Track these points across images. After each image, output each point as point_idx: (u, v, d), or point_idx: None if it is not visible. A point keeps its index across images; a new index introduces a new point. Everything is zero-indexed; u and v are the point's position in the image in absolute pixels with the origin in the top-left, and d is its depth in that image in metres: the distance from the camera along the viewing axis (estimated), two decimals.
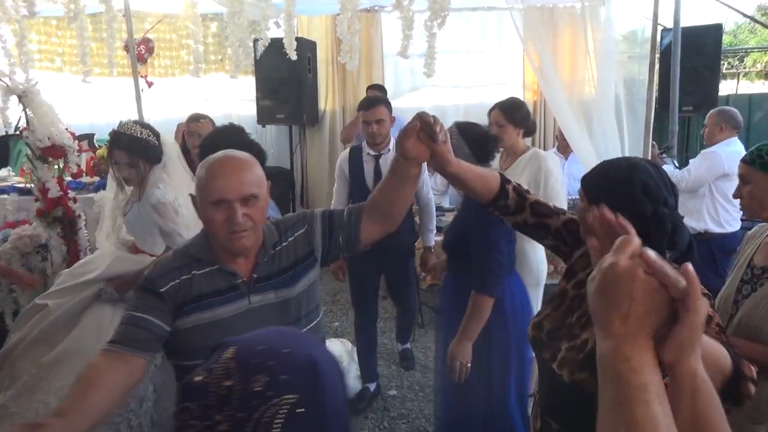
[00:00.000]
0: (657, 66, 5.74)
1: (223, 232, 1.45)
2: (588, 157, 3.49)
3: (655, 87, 5.78)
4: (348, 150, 3.42)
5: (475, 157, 2.24)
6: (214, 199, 1.43)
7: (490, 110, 2.98)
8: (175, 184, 2.64)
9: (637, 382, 0.65)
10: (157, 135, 2.61)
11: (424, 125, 1.43)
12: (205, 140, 2.30)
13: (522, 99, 6.03)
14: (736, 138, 3.91)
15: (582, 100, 3.86)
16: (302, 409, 0.61)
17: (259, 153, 2.00)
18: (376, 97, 3.43)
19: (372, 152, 3.27)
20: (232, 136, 2.25)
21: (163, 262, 1.57)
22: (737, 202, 1.73)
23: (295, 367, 0.63)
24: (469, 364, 2.17)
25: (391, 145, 3.22)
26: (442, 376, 2.44)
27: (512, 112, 2.94)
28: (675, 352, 0.67)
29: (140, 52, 5.72)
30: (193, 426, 0.60)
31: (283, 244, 1.59)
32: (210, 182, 1.44)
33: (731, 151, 3.75)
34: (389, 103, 3.31)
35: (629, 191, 1.25)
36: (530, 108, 5.91)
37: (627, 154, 3.44)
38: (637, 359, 0.66)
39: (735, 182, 1.77)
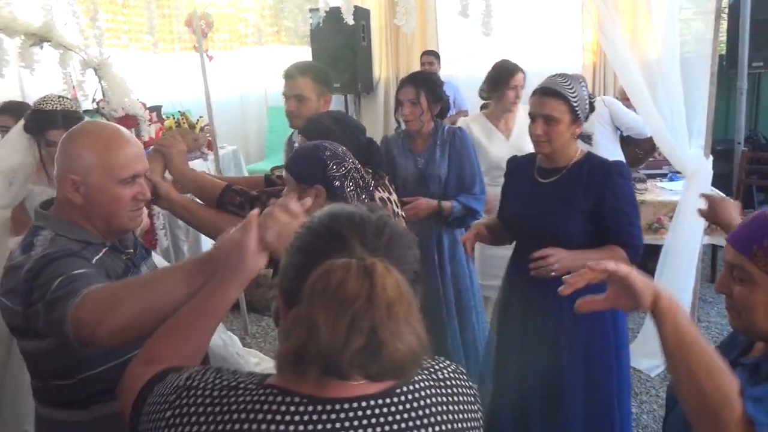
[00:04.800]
0: (725, 19, 5.46)
1: (125, 211, 1.33)
2: (652, 116, 3.37)
3: (724, 42, 5.52)
4: (291, 132, 2.55)
5: None
6: (128, 176, 1.30)
7: None
8: None
9: None
10: None
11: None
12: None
13: (582, 62, 5.92)
14: None
15: (645, 59, 3.70)
16: None
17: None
18: (302, 66, 2.38)
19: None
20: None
21: (56, 246, 1.26)
22: None
23: None
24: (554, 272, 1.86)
25: None
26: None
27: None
28: None
29: (201, 28, 5.87)
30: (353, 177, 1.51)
31: None
32: (119, 158, 1.29)
33: None
34: (325, 77, 2.31)
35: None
36: (590, 70, 5.78)
37: (689, 115, 3.34)
38: None
39: None
